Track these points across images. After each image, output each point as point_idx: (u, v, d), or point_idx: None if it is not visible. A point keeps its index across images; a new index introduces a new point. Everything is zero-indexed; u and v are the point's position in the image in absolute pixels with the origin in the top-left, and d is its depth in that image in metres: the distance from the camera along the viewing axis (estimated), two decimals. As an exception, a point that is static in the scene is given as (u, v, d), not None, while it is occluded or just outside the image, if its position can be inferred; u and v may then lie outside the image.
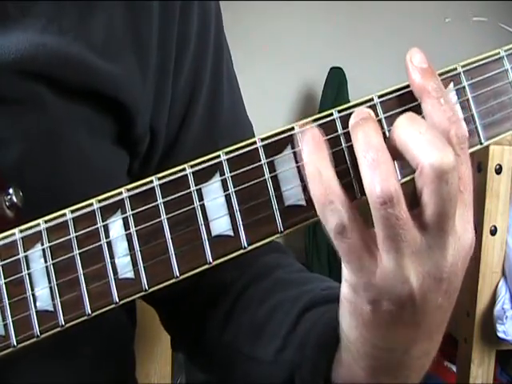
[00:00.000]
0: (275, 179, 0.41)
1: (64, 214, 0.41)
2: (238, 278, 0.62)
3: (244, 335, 0.60)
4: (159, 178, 0.41)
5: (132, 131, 0.55)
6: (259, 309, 0.59)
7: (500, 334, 1.64)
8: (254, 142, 0.41)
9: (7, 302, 0.41)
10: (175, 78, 0.58)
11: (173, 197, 0.41)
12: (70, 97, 0.50)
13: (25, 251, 0.41)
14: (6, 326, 0.41)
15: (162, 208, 0.41)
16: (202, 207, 0.41)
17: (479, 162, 1.68)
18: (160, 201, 0.41)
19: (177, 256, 0.41)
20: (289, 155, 0.41)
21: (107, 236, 0.41)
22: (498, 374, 2.29)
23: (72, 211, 0.41)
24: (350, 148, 0.40)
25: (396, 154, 0.39)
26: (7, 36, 0.48)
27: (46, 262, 0.41)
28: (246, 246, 0.41)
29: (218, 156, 0.41)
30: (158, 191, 0.41)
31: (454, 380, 2.09)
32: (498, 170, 1.64)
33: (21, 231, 0.42)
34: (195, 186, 0.41)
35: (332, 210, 0.38)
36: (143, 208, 0.41)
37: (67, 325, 0.41)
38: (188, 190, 0.41)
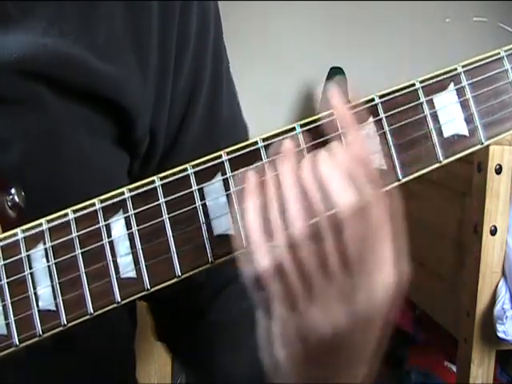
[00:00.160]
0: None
1: (66, 214, 0.41)
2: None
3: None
4: (161, 178, 0.41)
5: (132, 133, 0.55)
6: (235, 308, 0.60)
7: (500, 334, 1.64)
8: (256, 143, 0.41)
9: (9, 301, 0.41)
10: (175, 79, 0.58)
11: (174, 196, 0.41)
12: (70, 97, 0.50)
13: (27, 251, 0.41)
14: (8, 325, 0.41)
15: (163, 208, 0.41)
16: (204, 207, 0.41)
17: (479, 162, 1.68)
18: (162, 200, 0.41)
19: (178, 255, 0.41)
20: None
21: (109, 235, 0.41)
22: (498, 374, 2.29)
23: (74, 211, 0.41)
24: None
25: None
26: (8, 36, 0.48)
27: (48, 261, 0.41)
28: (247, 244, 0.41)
29: (220, 156, 0.41)
30: (159, 191, 0.41)
31: (454, 380, 2.09)
32: (498, 170, 1.64)
33: (23, 231, 0.42)
34: (197, 185, 0.41)
35: (264, 253, 0.38)
36: (145, 208, 0.41)
37: (69, 324, 0.41)
38: (190, 190, 0.41)
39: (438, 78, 0.42)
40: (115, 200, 0.41)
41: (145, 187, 0.41)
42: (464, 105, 0.42)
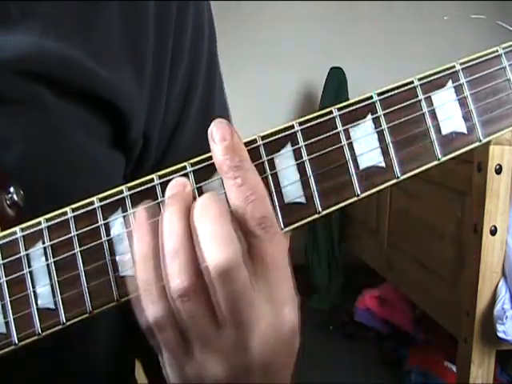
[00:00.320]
0: (275, 176, 0.41)
1: (65, 213, 0.41)
2: None
3: None
4: (160, 177, 0.41)
5: (127, 135, 0.55)
6: None
7: (500, 334, 1.64)
8: (255, 141, 0.41)
9: (8, 299, 0.41)
10: (170, 83, 0.58)
11: None
12: (68, 98, 0.50)
13: (26, 249, 0.41)
14: (7, 323, 0.41)
15: (163, 206, 0.41)
16: None
17: (479, 162, 1.69)
18: (161, 199, 0.41)
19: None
20: (288, 153, 0.41)
21: (108, 234, 0.41)
22: (498, 374, 2.29)
23: (73, 209, 0.41)
24: (350, 145, 0.41)
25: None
26: (8, 36, 0.48)
27: (47, 260, 0.41)
28: None
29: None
30: (158, 189, 0.41)
31: (454, 380, 2.09)
32: (498, 170, 1.65)
33: (22, 230, 0.42)
34: (196, 183, 0.41)
35: (153, 302, 0.38)
36: (144, 206, 0.41)
37: (68, 322, 0.41)
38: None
39: (436, 76, 0.42)
40: (114, 198, 0.41)
41: (144, 185, 0.41)
42: (462, 102, 0.42)
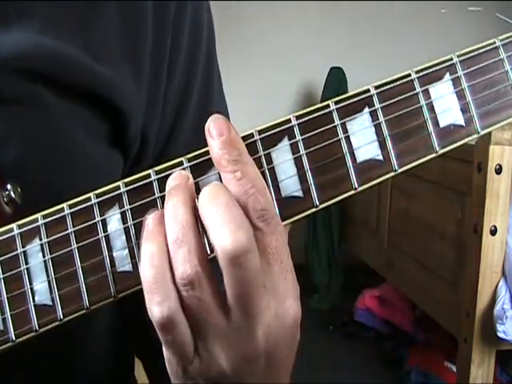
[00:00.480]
0: (272, 170, 0.41)
1: (62, 209, 0.41)
2: None
3: None
4: (157, 172, 0.41)
5: (125, 134, 0.55)
6: None
7: (500, 334, 1.64)
8: (252, 135, 0.41)
9: (5, 296, 0.41)
10: (168, 83, 0.58)
11: None
12: (67, 97, 0.50)
13: (23, 246, 0.41)
14: (4, 320, 0.41)
15: (160, 202, 0.41)
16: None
17: (479, 162, 1.69)
18: (158, 194, 0.41)
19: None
20: (285, 147, 0.41)
21: (105, 230, 0.41)
22: (498, 374, 2.29)
23: (70, 206, 0.41)
24: (347, 139, 0.41)
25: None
26: (5, 35, 0.48)
27: (44, 256, 0.41)
28: None
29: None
30: (155, 185, 0.41)
31: (454, 380, 2.09)
32: (498, 170, 1.65)
33: (19, 226, 0.42)
34: (194, 179, 0.41)
35: (158, 302, 0.38)
36: (141, 202, 0.41)
37: (66, 318, 0.41)
38: None
39: (434, 68, 0.42)
40: (111, 194, 0.41)
41: (140, 181, 0.41)
42: (460, 94, 0.41)
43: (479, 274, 1.69)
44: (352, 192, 0.41)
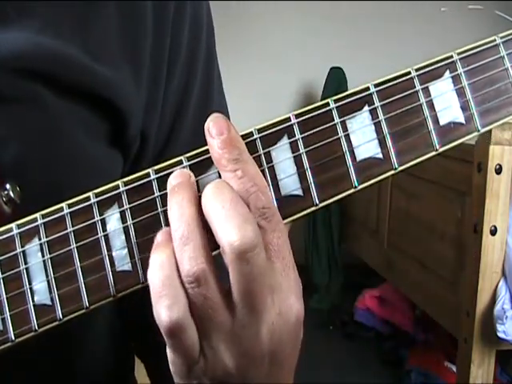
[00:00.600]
0: (272, 169, 0.41)
1: (61, 209, 0.41)
2: None
3: None
4: (156, 171, 0.41)
5: (125, 133, 0.55)
6: None
7: (500, 334, 1.64)
8: (251, 134, 0.41)
9: (5, 296, 0.41)
10: (167, 83, 0.58)
11: None
12: (67, 96, 0.50)
13: (22, 246, 0.41)
14: (3, 320, 0.41)
15: (159, 201, 0.41)
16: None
17: (479, 162, 1.69)
18: (157, 194, 0.41)
19: (174, 248, 0.40)
20: (285, 145, 0.41)
21: (104, 229, 0.41)
22: (498, 374, 2.29)
23: (69, 205, 0.41)
24: (347, 137, 0.41)
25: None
26: (5, 35, 0.48)
27: (43, 256, 0.41)
28: None
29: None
30: (155, 184, 0.41)
31: (454, 380, 2.09)
32: (498, 170, 1.65)
33: (18, 226, 0.42)
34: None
35: (167, 306, 0.37)
36: (140, 201, 0.41)
37: (65, 318, 0.41)
38: None
39: (434, 66, 0.42)
40: (110, 194, 0.41)
41: (140, 180, 0.41)
42: (460, 92, 0.41)
43: (479, 273, 1.69)
44: (352, 190, 0.41)
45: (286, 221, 0.41)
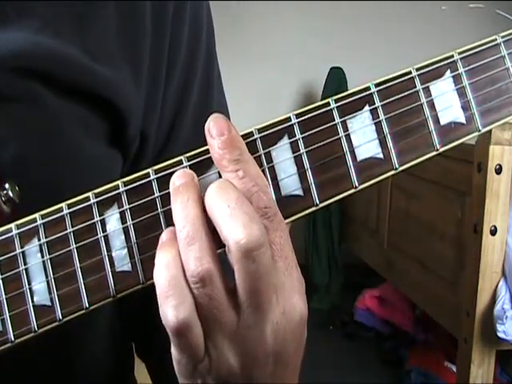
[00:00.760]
0: (272, 169, 0.41)
1: (61, 209, 0.41)
2: None
3: None
4: (156, 171, 0.41)
5: (125, 133, 0.55)
6: None
7: (500, 334, 1.64)
8: (252, 133, 0.41)
9: (4, 297, 0.41)
10: (167, 83, 0.58)
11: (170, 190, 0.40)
12: (66, 96, 0.50)
13: (21, 246, 0.41)
14: (3, 321, 0.41)
15: (159, 201, 0.41)
16: None
17: (479, 162, 1.69)
18: (157, 194, 0.41)
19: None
20: (285, 145, 0.41)
21: (104, 230, 0.41)
22: (498, 374, 2.29)
23: (69, 205, 0.41)
24: (347, 137, 0.41)
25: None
26: (4, 34, 0.48)
27: (42, 256, 0.41)
28: None
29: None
30: (154, 184, 0.41)
31: (454, 380, 2.09)
32: (498, 170, 1.65)
33: (17, 226, 0.41)
34: None
35: (173, 306, 0.37)
36: (140, 201, 0.41)
37: (65, 319, 0.41)
38: None
39: (435, 66, 0.41)
40: (110, 194, 0.41)
41: (139, 180, 0.41)
42: (461, 92, 0.41)
43: (479, 274, 1.69)
44: (352, 190, 0.41)
45: (286, 221, 0.41)
